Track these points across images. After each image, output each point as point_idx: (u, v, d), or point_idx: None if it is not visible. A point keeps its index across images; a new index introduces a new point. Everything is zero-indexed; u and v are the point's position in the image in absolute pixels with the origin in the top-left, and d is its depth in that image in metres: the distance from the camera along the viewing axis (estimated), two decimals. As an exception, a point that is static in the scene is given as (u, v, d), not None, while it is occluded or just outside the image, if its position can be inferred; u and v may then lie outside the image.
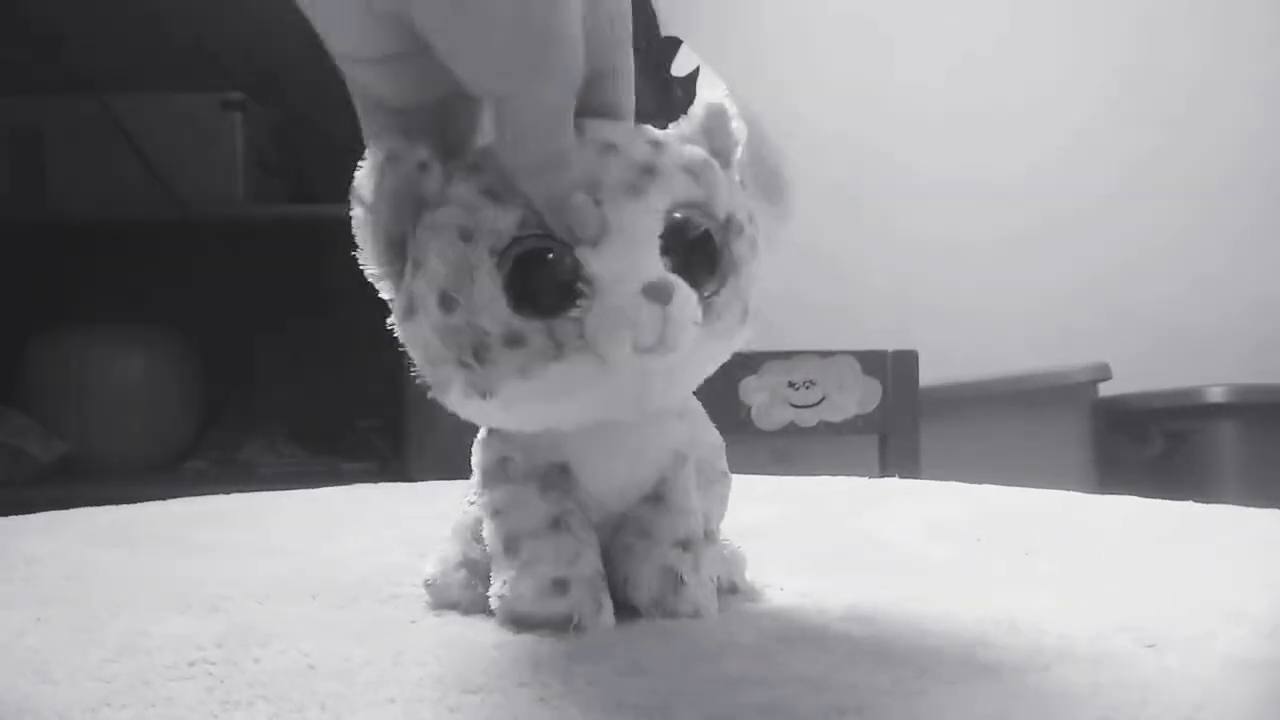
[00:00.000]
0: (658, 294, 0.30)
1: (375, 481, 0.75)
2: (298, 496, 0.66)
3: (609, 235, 0.31)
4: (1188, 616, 0.34)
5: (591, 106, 0.32)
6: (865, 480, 0.71)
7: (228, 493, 0.67)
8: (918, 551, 0.47)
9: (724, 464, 0.38)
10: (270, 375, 1.65)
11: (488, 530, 0.35)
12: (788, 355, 1.19)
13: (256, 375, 1.65)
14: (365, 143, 0.33)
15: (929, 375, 1.28)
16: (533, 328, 0.30)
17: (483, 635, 0.33)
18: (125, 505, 0.62)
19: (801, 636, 0.33)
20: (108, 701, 0.27)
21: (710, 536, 0.36)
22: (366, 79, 0.32)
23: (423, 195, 0.31)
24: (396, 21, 0.30)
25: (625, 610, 0.34)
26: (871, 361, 1.20)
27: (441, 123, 0.32)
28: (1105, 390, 1.54)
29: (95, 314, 1.56)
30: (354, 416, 1.59)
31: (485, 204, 0.31)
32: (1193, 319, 1.73)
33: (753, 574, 0.39)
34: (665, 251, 0.31)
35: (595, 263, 0.30)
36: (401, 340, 0.33)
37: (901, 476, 0.74)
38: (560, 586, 0.33)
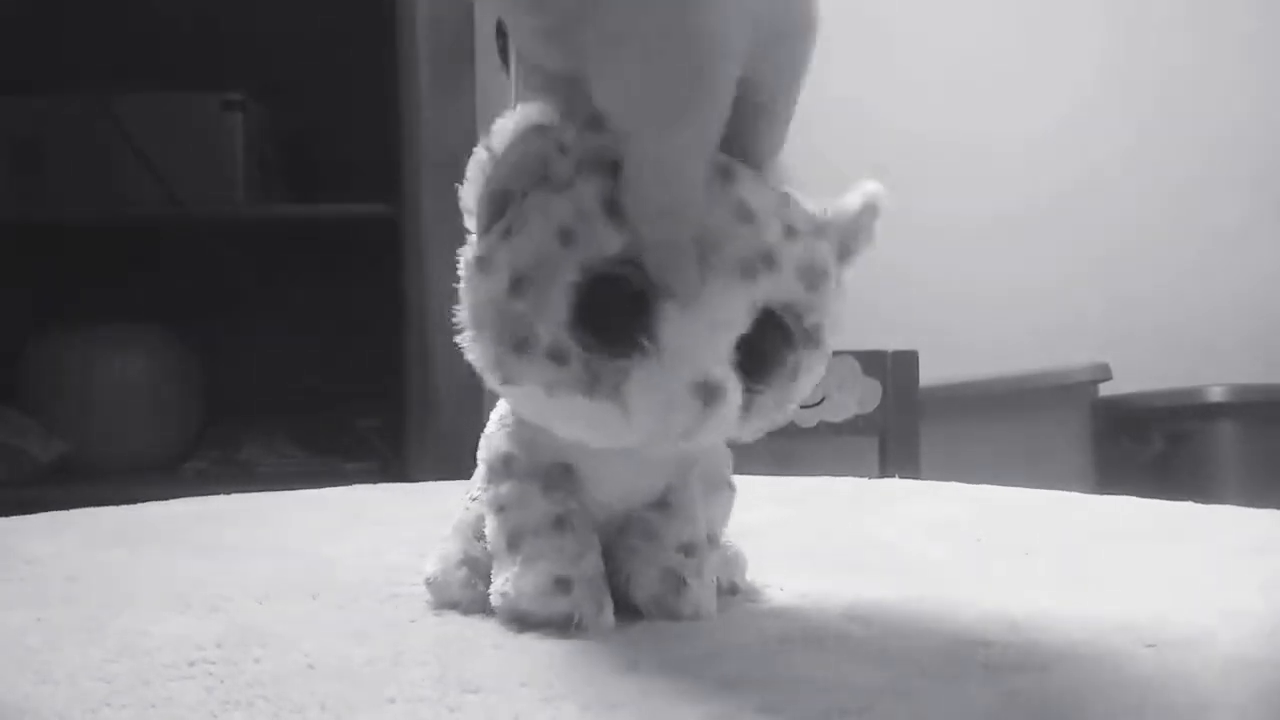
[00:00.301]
0: (708, 395, 0.29)
1: (375, 482, 0.76)
2: (298, 497, 0.66)
3: (699, 304, 0.30)
4: (1187, 616, 0.34)
5: (734, 138, 0.30)
6: (865, 480, 0.71)
7: (228, 493, 0.67)
8: (918, 552, 0.47)
9: (729, 473, 0.38)
10: (270, 375, 1.65)
11: (490, 526, 0.35)
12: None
13: (256, 375, 1.65)
14: (518, 89, 0.32)
15: (929, 375, 1.28)
16: (578, 356, 0.30)
17: (483, 635, 0.33)
18: (125, 505, 0.62)
19: (801, 636, 0.33)
20: (108, 701, 0.27)
21: (712, 542, 0.36)
22: (531, 46, 0.31)
23: (549, 173, 0.30)
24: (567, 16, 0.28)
25: (625, 611, 0.34)
26: (872, 362, 1.20)
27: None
28: (1105, 390, 1.54)
29: (95, 314, 1.56)
30: (354, 417, 1.59)
31: (599, 216, 0.30)
32: (1193, 319, 1.73)
33: (753, 574, 0.39)
34: (738, 345, 0.30)
35: (670, 324, 0.30)
36: (461, 281, 0.32)
37: (902, 477, 0.74)
38: (563, 585, 0.33)
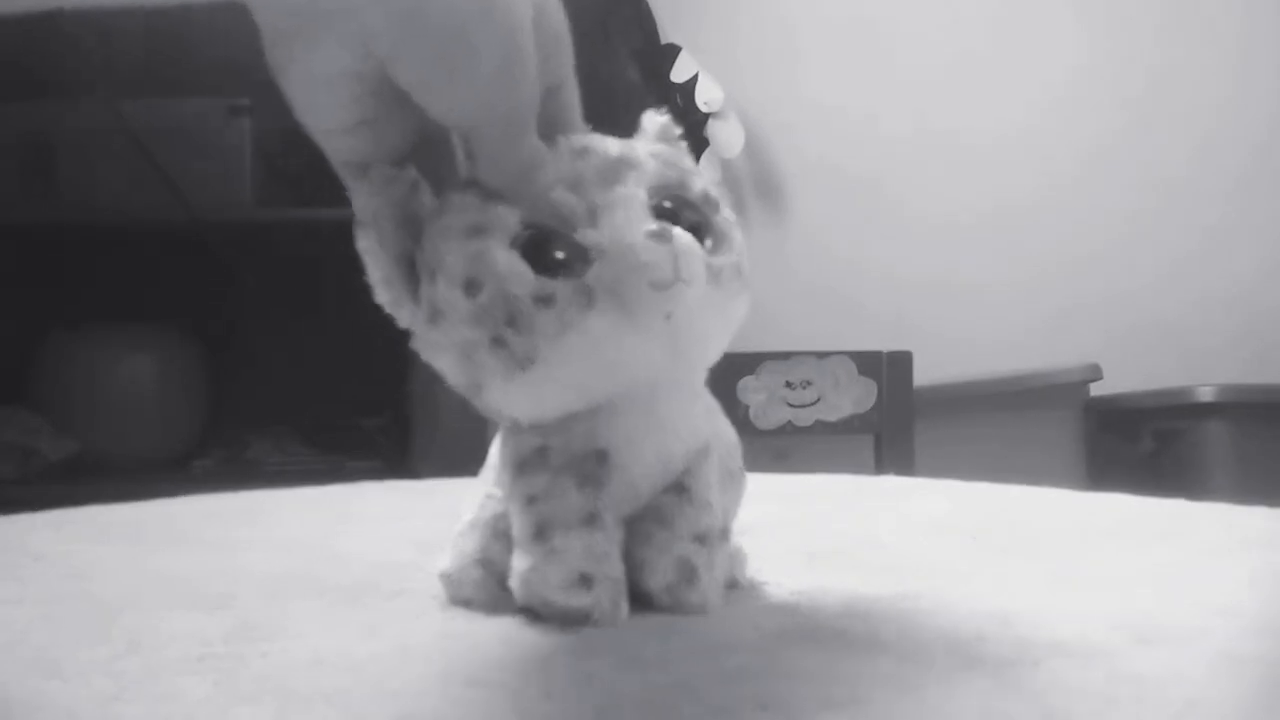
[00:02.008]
0: (660, 236, 0.32)
1: (380, 479, 0.76)
2: (304, 494, 0.67)
3: (600, 214, 0.33)
4: (1179, 613, 0.34)
5: (544, 120, 0.34)
6: (861, 479, 0.71)
7: (235, 491, 0.68)
8: (913, 549, 0.47)
9: (740, 462, 0.39)
10: (277, 375, 1.65)
11: (518, 516, 0.35)
12: (785, 356, 1.19)
13: (263, 375, 1.66)
14: (349, 187, 0.35)
15: (923, 375, 1.29)
16: (558, 285, 0.32)
17: (487, 630, 0.33)
18: (133, 503, 0.62)
19: (798, 632, 0.33)
20: (117, 697, 0.28)
21: (724, 534, 0.37)
22: (337, 145, 0.34)
23: (418, 213, 0.34)
24: (362, 89, 0.32)
25: (635, 600, 0.35)
26: (867, 362, 1.20)
27: (406, 161, 0.34)
28: (1096, 390, 1.54)
29: (105, 315, 1.56)
30: (360, 416, 1.60)
31: (491, 203, 0.33)
32: (1183, 318, 1.73)
33: (752, 571, 0.40)
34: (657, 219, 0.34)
35: (595, 235, 0.33)
36: (428, 355, 0.34)
37: (897, 475, 0.74)
38: (586, 582, 0.33)
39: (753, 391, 1.17)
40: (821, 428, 1.18)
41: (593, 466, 0.34)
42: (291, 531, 0.53)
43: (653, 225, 0.33)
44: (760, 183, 1.73)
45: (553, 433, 0.35)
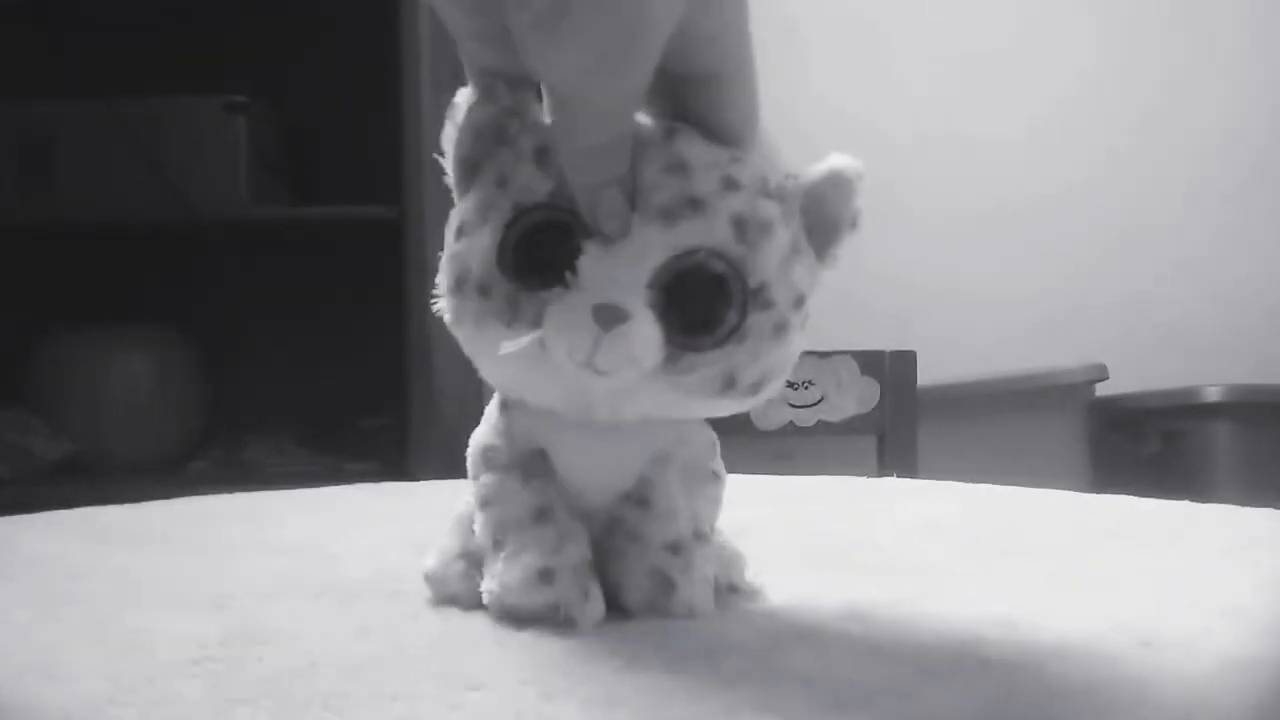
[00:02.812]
0: (602, 317, 0.30)
1: (378, 481, 0.76)
2: (301, 496, 0.67)
3: (622, 243, 0.31)
4: (1183, 614, 0.34)
5: (697, 110, 0.32)
6: (863, 480, 0.71)
7: (231, 492, 0.68)
8: (915, 550, 0.47)
9: (716, 463, 0.37)
10: (274, 376, 1.65)
11: (478, 522, 0.35)
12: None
13: (260, 375, 1.66)
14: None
15: (927, 375, 1.29)
16: (502, 288, 0.32)
17: (484, 632, 0.33)
18: (130, 504, 0.62)
19: (799, 635, 0.33)
20: (112, 699, 0.27)
21: (702, 537, 0.36)
22: (475, 50, 0.33)
23: (504, 136, 0.33)
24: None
25: (622, 611, 0.34)
26: (870, 361, 1.20)
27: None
28: (1102, 390, 1.54)
29: (101, 314, 1.56)
30: (357, 417, 1.60)
31: (528, 163, 0.32)
32: (1189, 319, 1.73)
33: (751, 573, 0.39)
34: (664, 287, 0.31)
35: (591, 260, 0.31)
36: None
37: (899, 476, 0.74)
38: (545, 576, 0.33)
39: (753, 392, 1.17)
40: (823, 428, 1.18)
41: (537, 463, 0.34)
42: (288, 533, 0.53)
43: (612, 299, 0.30)
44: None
45: (499, 432, 0.35)
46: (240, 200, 1.44)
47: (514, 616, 0.33)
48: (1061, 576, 0.41)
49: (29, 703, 0.27)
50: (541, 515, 0.34)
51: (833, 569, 0.43)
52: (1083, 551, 0.47)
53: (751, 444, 1.18)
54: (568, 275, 0.31)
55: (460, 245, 0.33)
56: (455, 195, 0.34)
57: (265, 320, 1.65)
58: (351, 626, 0.34)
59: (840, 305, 1.75)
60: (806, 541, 0.49)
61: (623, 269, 0.31)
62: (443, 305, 0.34)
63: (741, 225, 0.31)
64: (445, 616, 0.35)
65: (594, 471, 0.35)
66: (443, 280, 0.33)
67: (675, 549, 0.34)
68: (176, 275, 1.64)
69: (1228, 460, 1.41)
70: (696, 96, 0.32)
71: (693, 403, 0.33)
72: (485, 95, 0.33)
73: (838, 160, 0.33)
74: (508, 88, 0.32)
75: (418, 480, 0.80)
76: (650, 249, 0.31)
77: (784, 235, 0.32)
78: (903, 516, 0.55)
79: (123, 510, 0.61)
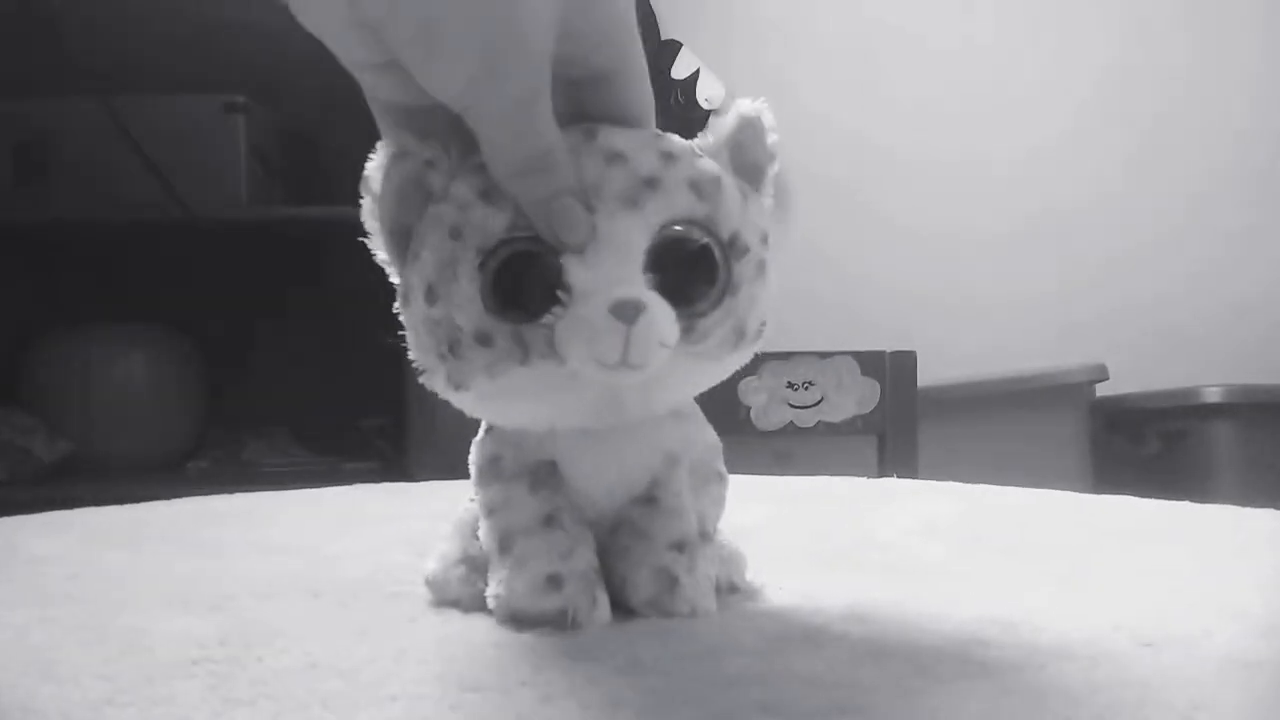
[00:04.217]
0: (624, 312, 0.30)
1: (377, 481, 0.76)
2: (300, 496, 0.67)
3: (596, 245, 0.31)
4: (1184, 615, 0.34)
5: (598, 109, 0.33)
6: (863, 480, 0.71)
7: (230, 492, 0.68)
8: (915, 551, 0.47)
9: (720, 465, 0.38)
10: (272, 376, 1.65)
11: (484, 529, 0.35)
12: (787, 356, 1.19)
13: (259, 376, 1.66)
14: (381, 139, 0.34)
15: (927, 375, 1.29)
16: (502, 330, 0.31)
17: (484, 633, 0.33)
18: (128, 505, 0.62)
19: (800, 635, 0.33)
20: (111, 700, 0.27)
21: (706, 537, 0.36)
22: (372, 83, 0.33)
23: (429, 190, 0.32)
24: (375, 36, 0.30)
25: (625, 610, 0.34)
26: (870, 362, 1.20)
27: (455, 122, 0.32)
28: (1102, 390, 1.54)
29: (99, 314, 1.56)
30: (356, 417, 1.60)
31: (477, 203, 0.31)
32: (1189, 319, 1.73)
33: (752, 574, 0.39)
34: (654, 268, 0.31)
35: (577, 271, 0.31)
36: (403, 323, 0.34)
37: (899, 476, 0.75)
38: (554, 582, 0.33)
39: (754, 392, 1.17)
40: (824, 429, 1.18)
41: (545, 473, 0.34)
42: (287, 534, 0.53)
43: (627, 290, 0.30)
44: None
45: (506, 443, 0.35)
46: (240, 200, 1.44)
47: (520, 621, 0.33)
48: (1062, 576, 0.41)
49: (28, 703, 0.27)
50: (549, 522, 0.34)
51: (833, 569, 0.43)
52: (1083, 551, 0.47)
53: (751, 444, 1.18)
54: (560, 294, 0.30)
55: (437, 310, 0.31)
56: (393, 267, 0.33)
57: (265, 320, 1.65)
58: (351, 627, 0.34)
59: (841, 309, 1.76)
60: (807, 541, 0.49)
61: (613, 265, 0.31)
62: (434, 379, 0.33)
63: (697, 187, 0.32)
64: (445, 618, 0.35)
65: (608, 478, 0.35)
66: (425, 352, 0.32)
67: (680, 547, 0.35)
68: (176, 275, 1.64)
69: (1228, 461, 1.41)
70: (596, 96, 0.32)
71: (714, 366, 0.33)
72: (397, 154, 0.32)
73: (743, 106, 0.34)
74: (416, 140, 0.32)
75: (417, 480, 0.80)
76: (630, 236, 0.31)
77: (732, 184, 0.33)
78: (903, 516, 0.55)
79: (121, 510, 0.61)
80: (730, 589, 0.38)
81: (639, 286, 0.31)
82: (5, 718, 0.26)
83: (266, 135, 1.50)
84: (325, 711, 0.26)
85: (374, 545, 0.49)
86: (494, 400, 0.32)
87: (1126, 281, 1.76)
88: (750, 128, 0.34)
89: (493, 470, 0.35)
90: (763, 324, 0.34)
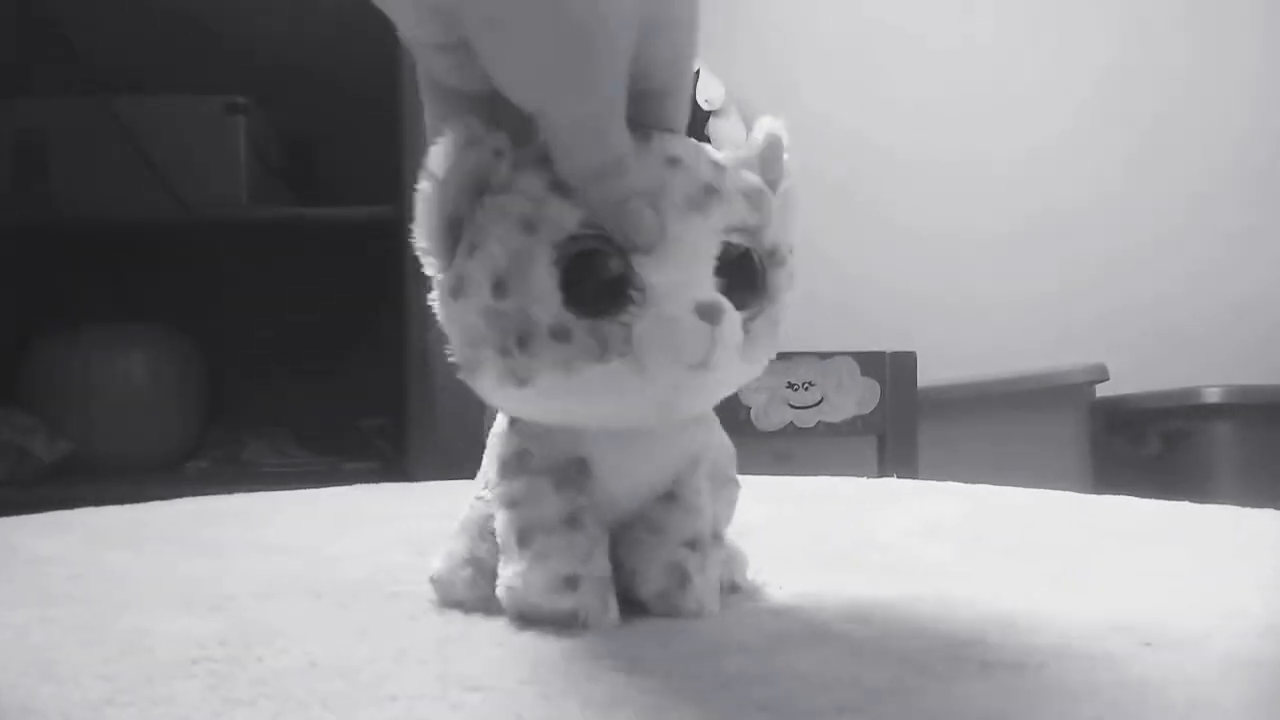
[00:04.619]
0: (710, 314, 0.30)
1: (377, 481, 0.76)
2: (300, 496, 0.67)
3: (666, 246, 0.31)
4: (1184, 616, 0.34)
5: (648, 119, 0.33)
6: (864, 480, 0.71)
7: (230, 492, 0.68)
8: (916, 551, 0.47)
9: (734, 470, 0.38)
10: (273, 376, 1.65)
11: (501, 520, 0.35)
12: (787, 356, 1.19)
13: (259, 376, 1.66)
14: (431, 123, 0.33)
15: (927, 376, 1.29)
16: (581, 326, 0.31)
17: (485, 633, 0.33)
18: (129, 505, 0.62)
19: (801, 635, 0.33)
20: (111, 700, 0.27)
21: (717, 538, 0.36)
22: (431, 62, 0.33)
23: (489, 180, 0.32)
24: (451, 14, 0.30)
25: (628, 606, 0.34)
26: (870, 362, 1.20)
27: (509, 110, 0.32)
28: (1102, 391, 1.54)
29: (99, 314, 1.56)
30: (356, 417, 1.60)
31: (551, 197, 0.31)
32: (1189, 319, 1.73)
33: (753, 573, 0.39)
34: (717, 272, 0.32)
35: (650, 272, 0.31)
36: (441, 318, 0.33)
37: (900, 477, 0.75)
38: (570, 583, 0.33)
39: (754, 392, 1.17)
40: (824, 429, 1.18)
41: (572, 472, 0.34)
42: (287, 534, 0.53)
43: (708, 293, 0.31)
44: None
45: (534, 438, 0.34)
46: (240, 200, 1.44)
47: (530, 617, 0.33)
48: (1062, 576, 0.41)
49: (28, 703, 0.27)
50: (572, 522, 0.34)
51: (833, 569, 0.43)
52: (1083, 551, 0.47)
53: (751, 444, 1.18)
54: (633, 294, 0.31)
55: (507, 303, 0.31)
56: (436, 259, 0.33)
57: (265, 320, 1.65)
58: (351, 627, 0.34)
59: (841, 309, 1.76)
60: (807, 542, 0.49)
61: (686, 267, 0.31)
62: (484, 374, 0.32)
63: (749, 196, 0.33)
64: (445, 617, 0.35)
65: (635, 478, 0.35)
66: (480, 346, 0.32)
67: (694, 545, 0.35)
68: (176, 275, 1.64)
69: (1228, 461, 1.41)
70: (649, 110, 0.33)
71: (754, 369, 0.34)
72: (467, 140, 0.31)
73: (769, 124, 0.35)
74: (484, 127, 0.31)
75: (417, 480, 0.79)
76: (699, 240, 0.32)
77: (771, 195, 0.34)
78: (903, 516, 0.55)
79: (121, 510, 0.61)
80: (731, 588, 0.38)
81: (711, 289, 0.31)
82: (5, 718, 0.26)
83: (266, 135, 1.50)
84: (325, 711, 0.26)
85: (374, 545, 0.49)
86: (557, 397, 0.32)
87: (1126, 281, 1.76)
88: (777, 146, 0.35)
89: (519, 464, 0.34)
90: (784, 330, 0.35)
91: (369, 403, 1.57)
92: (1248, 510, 0.53)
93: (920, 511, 0.56)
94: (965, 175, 1.80)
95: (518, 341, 0.31)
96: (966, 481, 0.66)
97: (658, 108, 0.33)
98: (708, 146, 0.34)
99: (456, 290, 0.32)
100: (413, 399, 1.35)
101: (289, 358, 1.65)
